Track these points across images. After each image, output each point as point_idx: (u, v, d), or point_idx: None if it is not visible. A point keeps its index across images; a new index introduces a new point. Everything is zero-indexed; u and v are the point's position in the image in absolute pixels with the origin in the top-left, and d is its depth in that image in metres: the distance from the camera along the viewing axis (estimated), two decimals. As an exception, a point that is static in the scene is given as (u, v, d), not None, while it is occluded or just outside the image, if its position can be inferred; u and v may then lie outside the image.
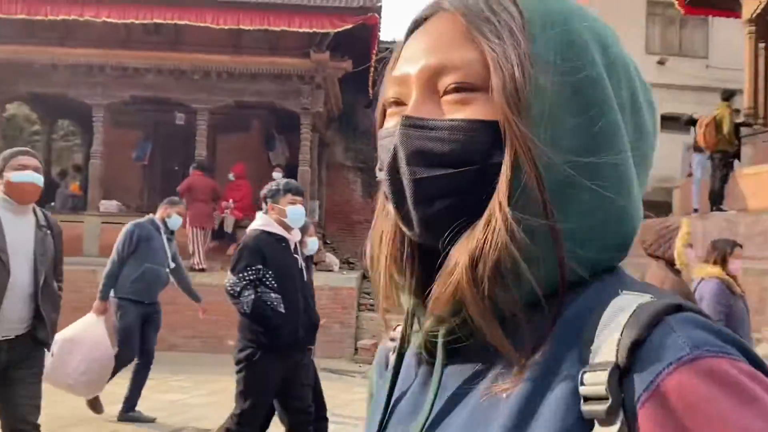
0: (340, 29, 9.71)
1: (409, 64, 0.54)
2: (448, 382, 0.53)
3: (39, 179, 3.11)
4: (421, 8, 0.57)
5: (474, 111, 0.50)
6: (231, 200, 10.31)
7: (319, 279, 9.12)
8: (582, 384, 0.44)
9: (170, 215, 5.51)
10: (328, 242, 11.69)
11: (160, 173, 12.81)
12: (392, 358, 0.61)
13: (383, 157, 0.54)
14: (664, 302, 0.45)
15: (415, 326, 0.58)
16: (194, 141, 10.65)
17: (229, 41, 10.74)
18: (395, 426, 0.57)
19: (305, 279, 3.79)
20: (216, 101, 10.75)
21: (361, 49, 10.58)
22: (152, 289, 5.30)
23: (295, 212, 3.66)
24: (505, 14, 0.51)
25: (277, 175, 10.84)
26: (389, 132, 0.54)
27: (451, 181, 0.50)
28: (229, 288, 3.53)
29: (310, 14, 9.83)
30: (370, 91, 12.37)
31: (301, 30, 9.76)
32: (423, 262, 0.56)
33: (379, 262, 0.58)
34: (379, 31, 10.50)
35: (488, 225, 0.48)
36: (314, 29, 9.79)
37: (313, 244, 4.50)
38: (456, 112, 0.51)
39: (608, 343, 0.45)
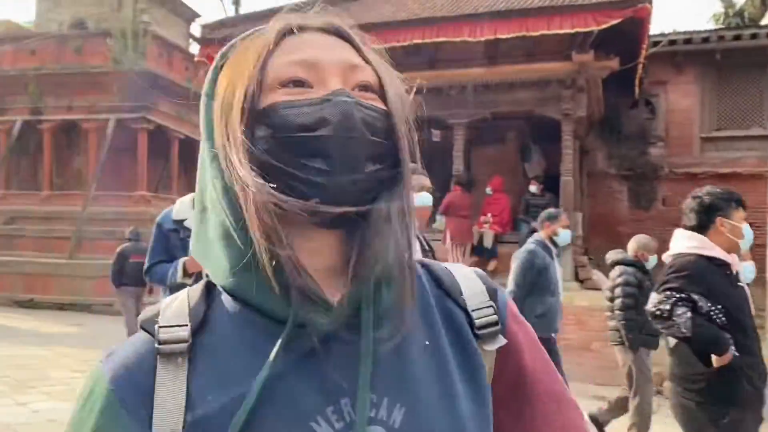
0: (605, 26, 8.93)
1: (318, 53, 0.65)
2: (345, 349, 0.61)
3: None
4: (317, 19, 0.70)
5: (378, 105, 0.66)
6: (489, 214, 10.11)
7: (585, 299, 8.48)
8: (476, 319, 0.70)
9: (557, 232, 4.99)
10: (592, 258, 10.81)
11: (418, 190, 13.17)
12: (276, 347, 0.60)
13: (319, 119, 0.61)
14: (480, 270, 0.77)
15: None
16: (450, 157, 10.68)
17: (485, 53, 10.60)
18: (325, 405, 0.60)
19: (752, 313, 3.01)
20: (472, 115, 10.68)
21: (627, 46, 9.65)
22: (554, 322, 4.85)
23: (750, 232, 2.87)
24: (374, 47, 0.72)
25: (533, 188, 10.42)
26: (315, 101, 0.62)
27: (380, 148, 0.63)
28: (654, 309, 2.76)
29: (570, 14, 9.20)
30: (637, 91, 11.28)
31: (561, 32, 9.19)
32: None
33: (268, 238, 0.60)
34: (650, 23, 9.46)
35: (405, 197, 0.64)
36: (576, 29, 9.13)
37: (750, 271, 3.82)
38: (367, 101, 0.65)
39: (478, 293, 0.72)
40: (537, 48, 10.22)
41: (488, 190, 10.35)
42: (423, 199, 2.95)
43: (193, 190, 0.79)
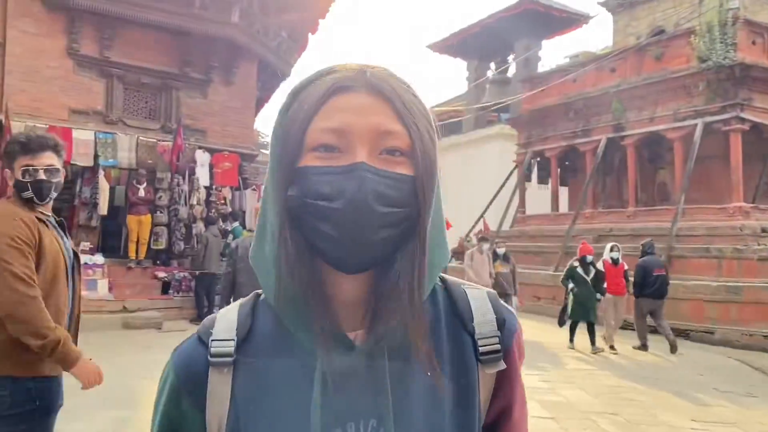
0: None
1: (349, 120, 0.71)
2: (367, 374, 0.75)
3: None
4: (351, 78, 0.74)
5: (404, 168, 0.72)
6: None
7: None
8: (481, 346, 0.79)
9: None
10: None
11: None
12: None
13: (336, 190, 0.69)
14: (494, 292, 0.86)
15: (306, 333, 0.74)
16: None
17: None
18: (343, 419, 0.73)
19: None
20: None
21: None
22: None
23: None
24: (421, 107, 0.76)
25: None
26: (337, 171, 0.70)
27: (394, 216, 0.70)
28: None
29: None
30: None
31: None
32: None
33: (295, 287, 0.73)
34: None
35: (417, 255, 0.73)
36: None
37: None
38: (392, 166, 0.72)
39: (488, 322, 0.81)
40: None
41: None
42: None
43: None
